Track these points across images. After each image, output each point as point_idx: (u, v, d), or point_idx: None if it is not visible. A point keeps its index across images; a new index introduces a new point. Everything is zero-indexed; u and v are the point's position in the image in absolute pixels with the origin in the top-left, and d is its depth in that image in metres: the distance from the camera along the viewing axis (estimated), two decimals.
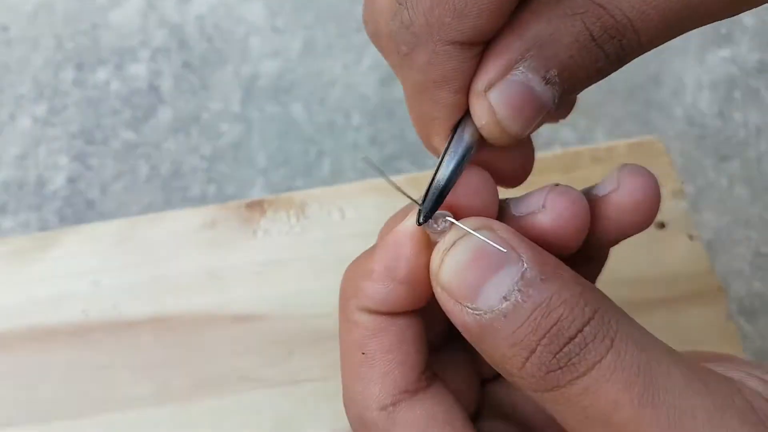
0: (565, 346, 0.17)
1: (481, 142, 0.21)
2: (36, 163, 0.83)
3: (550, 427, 0.23)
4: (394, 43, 0.20)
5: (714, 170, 0.82)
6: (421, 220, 0.20)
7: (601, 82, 0.21)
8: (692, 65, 0.87)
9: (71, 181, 0.82)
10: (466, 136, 0.20)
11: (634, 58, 0.20)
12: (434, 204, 0.20)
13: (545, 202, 0.21)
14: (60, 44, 0.93)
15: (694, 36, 0.89)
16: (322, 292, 0.45)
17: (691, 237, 0.46)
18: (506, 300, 0.17)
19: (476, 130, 0.20)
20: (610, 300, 0.19)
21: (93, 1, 0.96)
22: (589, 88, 0.22)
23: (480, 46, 0.19)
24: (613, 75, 0.20)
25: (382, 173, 0.21)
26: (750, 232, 0.78)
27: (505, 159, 0.22)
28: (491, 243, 0.18)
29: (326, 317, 0.44)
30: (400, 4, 0.19)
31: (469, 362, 0.25)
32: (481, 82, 0.19)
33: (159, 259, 0.46)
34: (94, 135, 0.85)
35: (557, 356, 0.17)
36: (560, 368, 0.17)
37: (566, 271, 0.19)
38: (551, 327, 0.17)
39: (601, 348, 0.17)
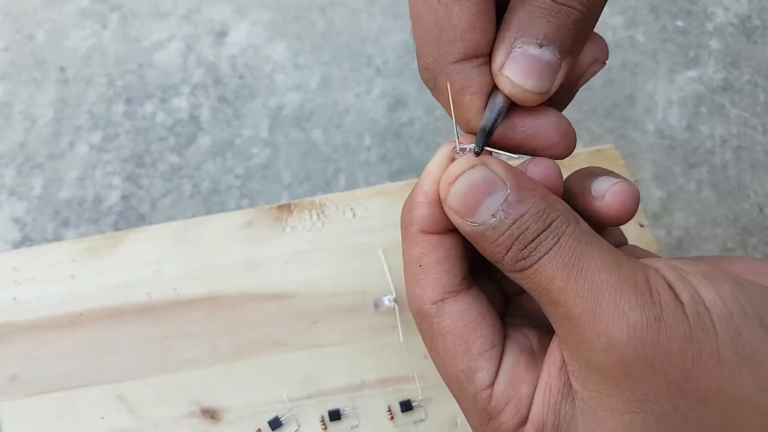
0: (528, 245, 0.24)
1: (512, 106, 0.27)
2: (93, 183, 0.93)
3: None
4: (427, 84, 0.27)
5: (683, 176, 0.89)
6: (477, 150, 0.26)
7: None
8: (663, 86, 0.95)
9: (124, 198, 0.92)
10: (498, 98, 0.26)
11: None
12: (481, 139, 0.26)
13: (606, 193, 0.27)
14: (111, 82, 1.04)
15: (665, 59, 0.98)
16: (339, 275, 0.54)
17: (641, 225, 0.55)
18: (494, 217, 0.24)
19: (505, 97, 0.26)
20: (568, 209, 0.24)
21: (139, 43, 1.07)
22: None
23: (480, 58, 0.26)
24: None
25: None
26: (717, 230, 0.85)
27: (544, 127, 0.27)
28: (490, 170, 0.25)
29: (342, 295, 0.54)
30: (424, 67, 0.27)
31: (496, 282, 0.32)
32: (495, 66, 0.25)
33: (208, 251, 0.56)
34: (143, 159, 0.95)
35: (522, 251, 0.24)
36: (524, 258, 0.24)
37: (538, 194, 0.24)
38: (521, 234, 0.24)
39: (549, 244, 0.23)
